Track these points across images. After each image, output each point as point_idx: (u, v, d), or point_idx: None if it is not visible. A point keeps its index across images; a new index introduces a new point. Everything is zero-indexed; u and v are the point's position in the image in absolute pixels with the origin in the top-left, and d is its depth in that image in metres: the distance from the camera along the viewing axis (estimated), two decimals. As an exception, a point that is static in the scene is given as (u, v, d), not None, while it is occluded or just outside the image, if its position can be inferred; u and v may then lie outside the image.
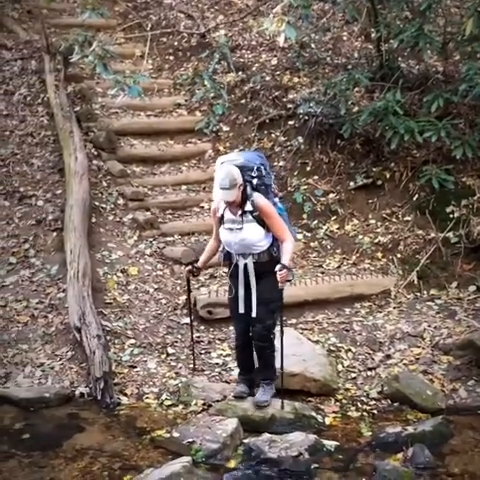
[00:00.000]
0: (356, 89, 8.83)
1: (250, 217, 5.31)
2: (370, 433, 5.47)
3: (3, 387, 5.94)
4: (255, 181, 5.36)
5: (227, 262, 5.60)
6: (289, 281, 5.42)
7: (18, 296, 6.87)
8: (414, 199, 7.93)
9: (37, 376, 6.07)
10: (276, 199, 5.63)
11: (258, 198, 5.33)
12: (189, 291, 6.22)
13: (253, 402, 5.55)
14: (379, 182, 8.21)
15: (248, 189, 5.31)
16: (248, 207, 5.32)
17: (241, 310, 5.47)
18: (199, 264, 5.77)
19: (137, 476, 4.76)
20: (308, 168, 8.59)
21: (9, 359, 6.25)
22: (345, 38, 10.47)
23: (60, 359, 6.23)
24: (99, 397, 5.79)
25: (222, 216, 5.44)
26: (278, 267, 5.19)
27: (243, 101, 9.46)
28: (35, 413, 5.67)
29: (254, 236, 5.33)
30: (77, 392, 5.94)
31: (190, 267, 5.78)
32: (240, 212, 5.32)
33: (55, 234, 7.52)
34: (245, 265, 5.42)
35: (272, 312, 5.48)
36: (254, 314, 5.41)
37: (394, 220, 7.93)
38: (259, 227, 5.32)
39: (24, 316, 6.67)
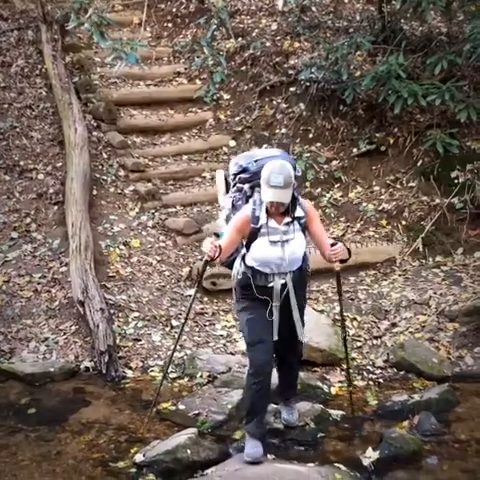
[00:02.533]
0: (358, 53, 8.69)
1: (297, 225, 4.46)
2: (376, 402, 5.46)
3: (8, 362, 5.95)
4: (295, 182, 4.50)
5: (250, 285, 4.50)
6: (345, 261, 4.64)
7: (21, 271, 6.84)
8: (418, 165, 7.84)
9: (42, 351, 6.08)
10: None
11: (304, 201, 4.63)
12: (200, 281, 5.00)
13: (285, 423, 4.96)
14: (382, 148, 8.11)
15: (294, 191, 4.50)
16: (298, 212, 4.46)
17: (275, 337, 4.52)
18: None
19: (144, 448, 4.77)
20: (310, 135, 8.49)
21: (13, 334, 6.24)
22: (346, 0, 10.28)
23: (64, 333, 6.23)
24: (104, 371, 5.79)
25: (260, 227, 4.40)
26: (331, 241, 4.53)
27: (243, 68, 9.33)
28: (40, 388, 5.69)
29: (301, 248, 4.52)
30: (82, 366, 5.94)
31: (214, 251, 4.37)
32: (289, 220, 4.42)
33: (56, 208, 7.48)
34: (283, 285, 4.49)
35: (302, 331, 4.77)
36: (301, 337, 4.66)
37: (398, 186, 7.84)
38: (304, 237, 4.54)
39: (27, 291, 6.65)
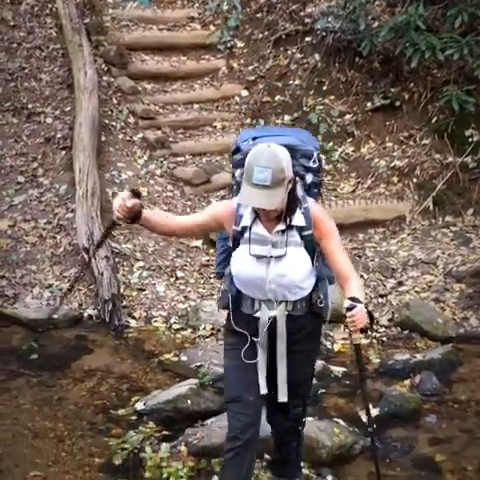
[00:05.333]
0: (377, 2, 8.48)
1: (297, 238, 3.29)
2: (378, 360, 5.48)
3: (12, 308, 5.97)
4: (311, 177, 3.39)
5: (232, 309, 3.45)
6: (365, 332, 3.31)
7: (26, 216, 6.80)
8: (433, 122, 7.68)
9: (45, 297, 6.08)
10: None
11: (314, 206, 3.33)
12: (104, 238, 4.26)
13: None
14: (397, 103, 7.94)
15: (299, 189, 3.30)
16: (298, 220, 3.28)
17: (263, 390, 3.45)
18: (144, 213, 3.33)
19: (145, 397, 4.81)
20: (324, 87, 8.32)
21: (17, 280, 6.23)
22: None
23: (68, 280, 6.21)
24: (107, 319, 5.80)
25: (242, 231, 3.32)
26: (347, 303, 3.19)
27: (259, 15, 9.10)
28: (43, 334, 5.71)
29: (299, 271, 3.31)
30: (85, 314, 5.96)
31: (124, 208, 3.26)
32: (283, 227, 3.28)
33: (64, 153, 7.39)
34: (272, 320, 3.38)
35: (303, 396, 3.66)
36: (281, 397, 3.47)
37: (411, 143, 7.71)
38: (307, 256, 3.32)
39: (32, 236, 6.62)
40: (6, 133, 7.58)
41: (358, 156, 7.81)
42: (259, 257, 3.30)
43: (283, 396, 3.46)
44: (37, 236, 6.62)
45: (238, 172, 3.42)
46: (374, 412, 4.66)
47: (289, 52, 8.71)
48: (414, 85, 7.97)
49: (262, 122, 8.17)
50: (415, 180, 7.43)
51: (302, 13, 8.90)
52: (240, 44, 9.05)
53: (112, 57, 8.57)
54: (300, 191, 3.32)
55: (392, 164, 7.60)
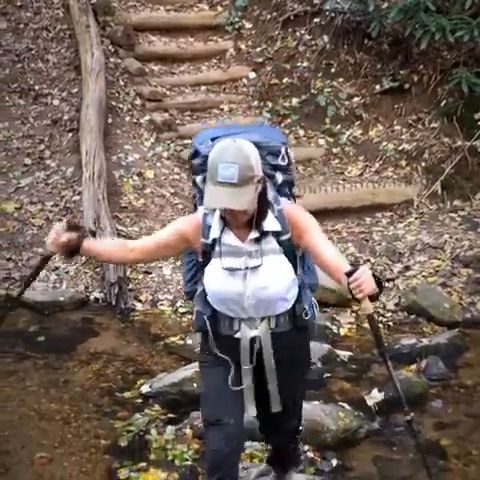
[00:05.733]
0: (386, -17, 8.39)
1: (275, 244, 2.96)
2: (385, 344, 5.45)
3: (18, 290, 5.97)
4: (281, 176, 3.09)
5: (208, 330, 3.08)
6: (375, 298, 2.83)
7: (33, 198, 6.79)
8: (442, 105, 7.63)
9: (52, 280, 6.09)
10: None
11: (288, 206, 3.03)
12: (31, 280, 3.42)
13: None
14: (406, 86, 7.88)
15: (269, 191, 2.98)
16: (271, 224, 2.95)
17: (251, 412, 3.14)
18: (85, 245, 3.05)
19: (150, 380, 4.83)
20: (333, 69, 8.27)
21: (24, 262, 6.24)
22: None
23: (75, 263, 6.20)
24: (113, 302, 5.81)
25: (212, 244, 2.97)
26: (347, 268, 2.79)
27: (267, -5, 9.05)
28: (50, 317, 5.72)
29: (281, 281, 2.98)
30: (92, 297, 5.97)
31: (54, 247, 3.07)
32: (256, 235, 2.94)
33: (70, 135, 7.37)
34: (253, 340, 3.03)
35: (296, 411, 3.44)
36: (275, 408, 3.16)
37: (420, 127, 7.66)
38: (288, 263, 2.99)
39: (39, 219, 6.62)
40: (13, 115, 7.56)
41: (366, 139, 7.75)
42: (233, 270, 2.94)
43: (276, 407, 3.15)
44: (44, 218, 6.62)
45: (199, 178, 3.09)
46: (379, 396, 4.68)
47: (297, 33, 8.64)
48: (423, 67, 7.90)
49: (269, 104, 8.13)
50: (423, 164, 7.39)
51: (311, -7, 8.84)
52: (248, 25, 8.98)
53: (119, 38, 8.52)
54: (271, 192, 2.98)
55: (400, 147, 7.56)
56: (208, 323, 3.07)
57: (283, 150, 3.09)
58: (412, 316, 5.82)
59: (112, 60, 8.33)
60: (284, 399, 3.17)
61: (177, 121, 7.89)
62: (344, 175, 7.43)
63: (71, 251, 3.06)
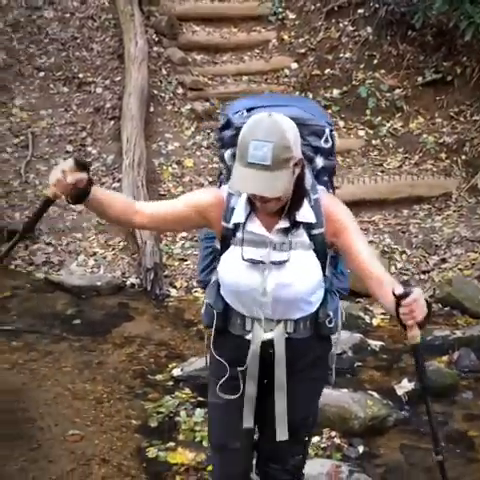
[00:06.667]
0: (432, -27, 8.30)
1: (305, 238, 2.59)
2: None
3: (57, 274, 6.08)
4: (321, 161, 2.69)
5: (217, 329, 2.73)
6: (424, 326, 2.40)
7: (74, 184, 6.91)
8: (484, 97, 7.55)
9: (90, 265, 6.18)
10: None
11: (325, 196, 2.66)
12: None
13: None
14: (449, 78, 7.78)
15: (308, 176, 2.60)
16: (306, 216, 2.58)
17: (248, 424, 2.75)
18: (93, 190, 2.54)
19: (182, 364, 4.90)
20: (375, 61, 8.21)
21: (63, 247, 6.36)
22: None
23: (112, 249, 6.31)
24: (149, 288, 5.86)
25: (234, 228, 2.61)
26: (400, 289, 2.34)
27: (312, -14, 9.03)
28: (86, 300, 5.81)
29: (307, 280, 2.61)
30: (128, 282, 6.04)
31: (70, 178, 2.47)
32: (286, 225, 2.58)
33: (112, 123, 7.48)
34: (266, 344, 2.67)
35: (304, 441, 2.93)
36: (280, 436, 2.73)
37: (461, 119, 7.56)
38: (317, 261, 2.63)
39: (79, 205, 6.71)
40: (56, 102, 7.72)
41: (406, 131, 7.68)
42: (254, 262, 2.57)
43: (283, 434, 2.70)
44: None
45: (228, 153, 2.70)
46: (409, 386, 4.67)
47: (341, 25, 8.61)
48: (467, 59, 7.78)
49: (311, 95, 8.12)
50: (463, 157, 7.30)
51: (356, -15, 8.79)
52: (291, 16, 8.98)
53: (163, 27, 8.61)
54: (309, 178, 2.59)
55: (441, 140, 7.48)
56: (217, 319, 2.70)
57: (327, 131, 2.69)
58: (446, 308, 5.77)
59: (155, 49, 8.41)
60: (292, 423, 2.72)
61: (218, 110, 7.91)
62: (383, 167, 7.38)
63: (77, 195, 2.50)
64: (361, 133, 7.72)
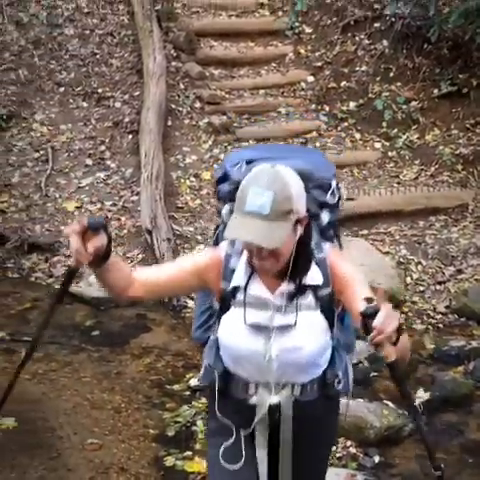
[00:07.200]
0: (448, -13, 8.37)
1: (311, 299, 2.43)
2: (433, 346, 5.46)
3: (76, 286, 6.13)
4: (327, 216, 2.54)
5: (218, 391, 2.55)
6: (396, 342, 2.19)
7: (93, 198, 7.01)
8: (500, 109, 7.58)
9: (108, 277, 6.25)
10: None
11: (332, 254, 2.49)
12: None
13: None
14: (465, 90, 7.82)
15: (314, 232, 2.46)
16: (313, 278, 2.42)
17: None
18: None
19: (198, 374, 4.90)
20: (391, 74, 8.26)
21: (82, 259, 6.44)
22: None
23: (131, 261, 6.37)
24: (166, 299, 5.88)
25: (234, 290, 2.45)
26: (363, 306, 2.17)
27: (328, 1, 9.07)
28: (105, 312, 5.87)
29: (315, 343, 2.45)
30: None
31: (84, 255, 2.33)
32: (291, 289, 2.41)
33: (131, 136, 7.57)
34: (272, 408, 2.49)
35: None
36: None
37: (477, 131, 7.59)
38: (325, 323, 2.47)
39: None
40: (76, 117, 7.83)
41: (422, 143, 7.72)
42: (256, 327, 2.40)
43: None
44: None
45: (227, 208, 2.55)
46: (425, 396, 4.69)
47: (357, 38, 8.68)
48: (483, 71, 7.85)
49: (327, 108, 8.19)
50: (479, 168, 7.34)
51: (372, -1, 8.87)
52: (308, 30, 9.05)
53: (181, 43, 8.71)
54: (315, 235, 2.44)
55: (457, 151, 7.50)
56: (218, 381, 2.52)
57: (334, 184, 2.53)
58: (462, 319, 5.79)
59: (173, 64, 8.52)
60: None
61: (235, 124, 7.99)
62: (399, 178, 7.40)
63: (99, 261, 2.36)
64: (377, 145, 7.76)
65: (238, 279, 2.43)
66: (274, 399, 2.47)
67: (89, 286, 6.11)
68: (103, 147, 7.51)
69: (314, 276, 2.42)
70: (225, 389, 2.54)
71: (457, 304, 5.88)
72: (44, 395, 4.70)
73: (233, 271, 2.45)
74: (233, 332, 2.45)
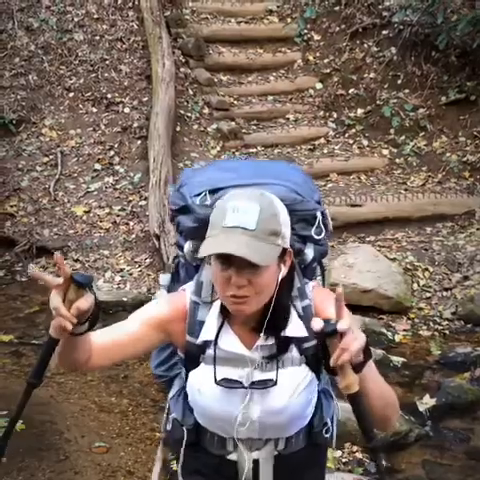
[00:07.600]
0: (456, -5, 8.39)
1: (294, 353, 2.05)
2: (439, 352, 5.47)
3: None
4: (312, 250, 2.14)
5: (191, 442, 2.19)
6: (360, 367, 1.82)
7: (101, 203, 7.07)
8: (508, 116, 7.59)
9: (116, 281, 6.31)
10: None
11: (317, 293, 2.08)
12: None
13: None
14: (472, 97, 7.84)
15: (296, 278, 2.06)
16: (293, 329, 2.03)
17: None
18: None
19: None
20: (399, 81, 8.29)
21: (91, 263, 6.50)
22: None
23: (139, 266, 6.43)
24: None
25: (203, 345, 2.06)
26: (320, 324, 1.74)
27: (337, 8, 9.11)
28: (113, 316, 5.86)
29: (300, 400, 2.07)
30: (153, 298, 6.10)
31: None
32: (269, 342, 2.03)
33: (139, 142, 7.62)
34: (255, 468, 2.15)
35: None
36: None
37: (485, 138, 7.64)
38: (311, 375, 2.09)
39: (106, 222, 6.87)
40: (85, 122, 7.88)
41: (430, 150, 7.75)
42: (231, 384, 2.03)
43: None
44: (111, 222, 6.87)
45: (188, 246, 2.15)
46: (431, 402, 4.70)
47: (365, 45, 8.71)
48: (491, 79, 7.86)
49: (335, 114, 8.22)
50: (487, 175, 7.37)
51: (380, 6, 8.87)
52: (316, 37, 9.09)
53: (190, 49, 8.75)
54: (298, 280, 2.06)
55: (464, 159, 7.53)
56: (188, 436, 2.17)
57: (319, 215, 2.14)
58: (469, 325, 5.80)
59: (182, 70, 8.57)
60: None
61: (243, 130, 8.04)
62: (406, 185, 7.43)
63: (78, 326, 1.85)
64: (385, 152, 7.79)
65: (207, 333, 2.05)
66: (255, 454, 2.14)
67: (97, 290, 6.16)
68: (112, 152, 7.55)
69: (294, 328, 2.03)
70: (197, 443, 2.19)
71: (463, 310, 5.89)
72: (52, 398, 4.73)
73: (201, 323, 2.06)
74: (204, 392, 2.07)
